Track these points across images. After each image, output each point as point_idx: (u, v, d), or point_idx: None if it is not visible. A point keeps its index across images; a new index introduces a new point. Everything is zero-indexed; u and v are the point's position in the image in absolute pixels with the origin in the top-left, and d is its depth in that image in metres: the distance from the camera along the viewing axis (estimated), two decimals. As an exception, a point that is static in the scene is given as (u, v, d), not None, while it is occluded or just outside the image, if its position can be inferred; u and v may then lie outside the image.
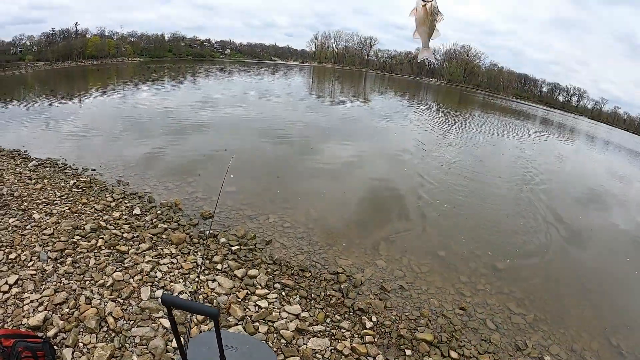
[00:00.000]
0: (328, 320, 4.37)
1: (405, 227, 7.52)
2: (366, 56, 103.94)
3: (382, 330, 4.40)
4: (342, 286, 5.09)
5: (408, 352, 4.17)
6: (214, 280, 4.73)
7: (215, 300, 4.35)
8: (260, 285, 4.79)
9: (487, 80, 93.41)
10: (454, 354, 4.25)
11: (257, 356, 2.33)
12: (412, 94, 49.09)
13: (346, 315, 4.54)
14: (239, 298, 4.46)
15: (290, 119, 18.31)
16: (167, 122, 15.56)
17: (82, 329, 3.64)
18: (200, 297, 4.25)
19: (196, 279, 4.69)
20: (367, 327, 4.37)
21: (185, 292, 4.40)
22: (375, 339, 4.21)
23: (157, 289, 4.37)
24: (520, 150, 18.45)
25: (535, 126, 35.25)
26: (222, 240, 5.86)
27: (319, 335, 4.08)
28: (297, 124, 17.44)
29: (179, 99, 23.54)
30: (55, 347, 3.30)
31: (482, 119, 30.95)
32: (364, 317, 4.52)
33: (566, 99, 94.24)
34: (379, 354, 4.02)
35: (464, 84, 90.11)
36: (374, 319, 4.54)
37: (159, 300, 4.15)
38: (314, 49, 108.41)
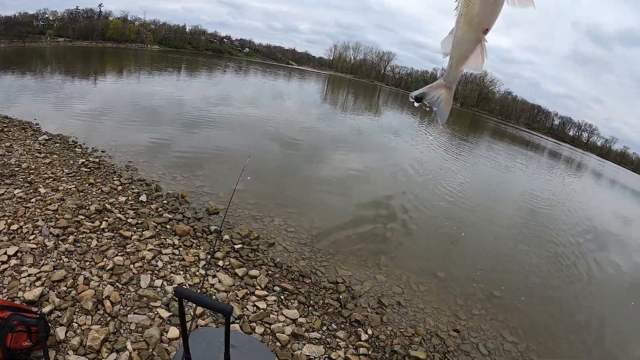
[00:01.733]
0: (324, 328, 4.35)
1: (406, 244, 7.50)
2: (382, 70, 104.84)
3: (377, 344, 4.39)
4: (340, 296, 5.07)
5: (401, 368, 4.18)
6: (214, 276, 4.70)
7: (214, 296, 4.33)
8: (260, 286, 4.76)
9: (500, 108, 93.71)
10: (446, 376, 4.25)
11: (258, 357, 2.33)
12: (423, 112, 49.17)
13: (342, 326, 4.51)
14: (237, 297, 4.43)
15: (301, 125, 18.39)
16: (180, 113, 15.62)
17: (77, 309, 3.61)
18: (198, 291, 4.26)
19: (196, 272, 4.71)
20: (362, 339, 4.34)
21: (185, 285, 4.39)
22: (370, 352, 4.17)
23: (157, 278, 4.34)
24: (530, 182, 18.46)
25: (544, 158, 35.27)
26: (226, 237, 5.84)
27: (314, 342, 4.06)
28: (308, 131, 17.51)
29: (194, 92, 23.69)
30: (50, 325, 3.26)
31: (492, 146, 30.99)
32: (359, 329, 4.50)
33: (577, 134, 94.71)
34: (372, 368, 4.02)
35: (477, 108, 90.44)
36: (370, 331, 4.52)
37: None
38: (331, 58, 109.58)
